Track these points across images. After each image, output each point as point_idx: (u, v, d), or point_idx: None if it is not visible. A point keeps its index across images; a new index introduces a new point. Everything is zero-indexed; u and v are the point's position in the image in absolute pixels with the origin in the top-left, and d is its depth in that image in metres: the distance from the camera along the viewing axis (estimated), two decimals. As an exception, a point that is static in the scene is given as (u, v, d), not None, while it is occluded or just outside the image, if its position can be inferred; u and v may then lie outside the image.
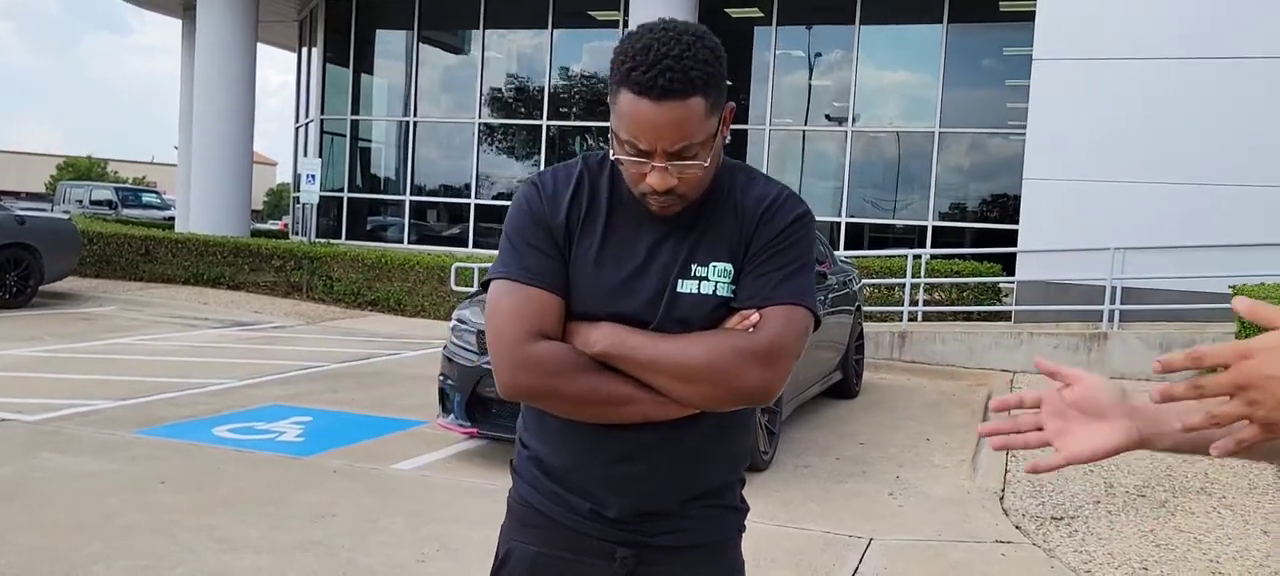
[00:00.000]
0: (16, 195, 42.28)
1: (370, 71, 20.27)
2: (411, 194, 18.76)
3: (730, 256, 1.50)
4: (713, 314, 1.47)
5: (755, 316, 1.46)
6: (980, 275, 11.38)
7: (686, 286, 1.48)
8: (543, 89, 17.95)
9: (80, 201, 25.75)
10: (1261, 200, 9.69)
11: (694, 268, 1.49)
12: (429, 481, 5.25)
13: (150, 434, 5.90)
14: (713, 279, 1.49)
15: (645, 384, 1.44)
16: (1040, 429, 1.15)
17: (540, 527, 1.58)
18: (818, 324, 1.53)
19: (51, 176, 54.14)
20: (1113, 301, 9.98)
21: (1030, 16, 11.36)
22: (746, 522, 1.69)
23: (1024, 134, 11.48)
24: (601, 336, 1.45)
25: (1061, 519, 4.94)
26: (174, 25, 22.93)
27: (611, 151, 1.48)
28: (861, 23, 15.82)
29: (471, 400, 5.40)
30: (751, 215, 1.50)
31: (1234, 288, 8.79)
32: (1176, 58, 10.19)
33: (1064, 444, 1.13)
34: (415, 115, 18.99)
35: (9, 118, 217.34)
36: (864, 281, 10.09)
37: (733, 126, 1.52)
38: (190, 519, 4.42)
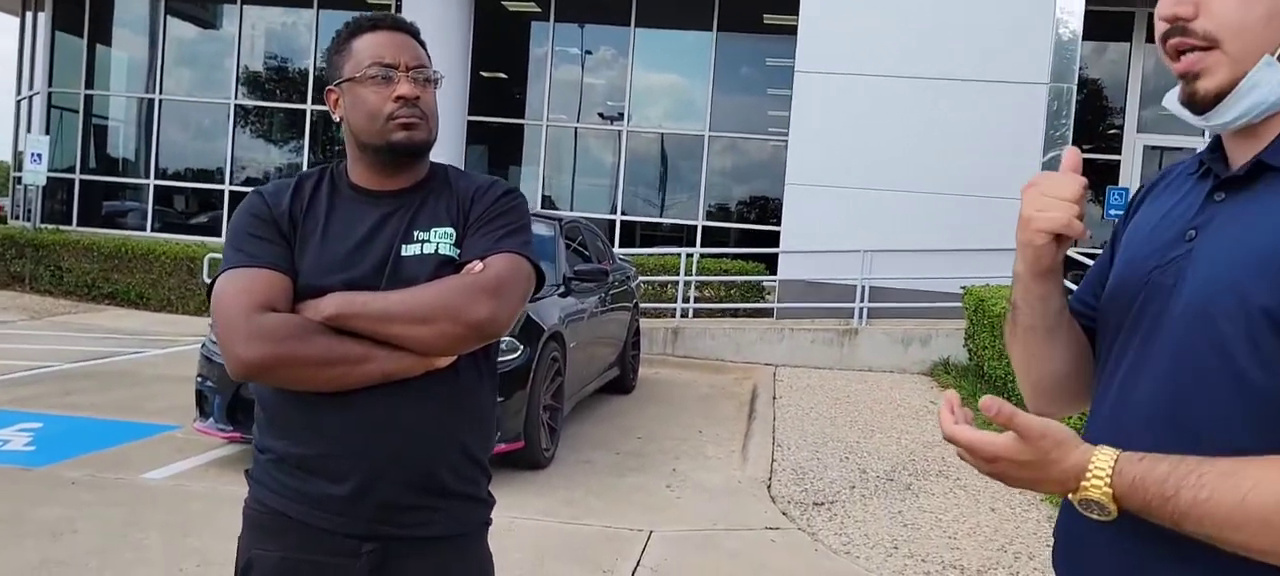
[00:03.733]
0: None
1: (108, 43, 18.43)
2: (155, 177, 17.25)
3: (451, 223, 1.58)
4: (437, 271, 1.53)
5: (479, 265, 1.53)
6: (747, 274, 11.95)
7: (409, 249, 1.54)
8: (306, 71, 17.03)
9: None
10: (987, 209, 10.74)
11: (416, 233, 1.56)
12: (184, 491, 4.86)
13: None
14: (434, 240, 1.56)
15: (379, 342, 1.46)
16: None
17: (283, 532, 1.55)
18: (540, 278, 1.62)
19: None
20: (862, 299, 10.79)
21: (793, 30, 12.03)
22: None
23: (785, 139, 12.16)
24: (330, 301, 1.48)
25: (822, 504, 5.28)
26: None
27: (340, 109, 1.59)
28: (636, 25, 16.15)
29: (234, 402, 5.06)
30: (466, 194, 1.62)
31: (965, 288, 9.74)
32: (902, 77, 11.14)
33: None
34: (160, 93, 17.48)
35: None
36: (639, 278, 10.31)
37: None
38: (-107, 544, 3.85)
